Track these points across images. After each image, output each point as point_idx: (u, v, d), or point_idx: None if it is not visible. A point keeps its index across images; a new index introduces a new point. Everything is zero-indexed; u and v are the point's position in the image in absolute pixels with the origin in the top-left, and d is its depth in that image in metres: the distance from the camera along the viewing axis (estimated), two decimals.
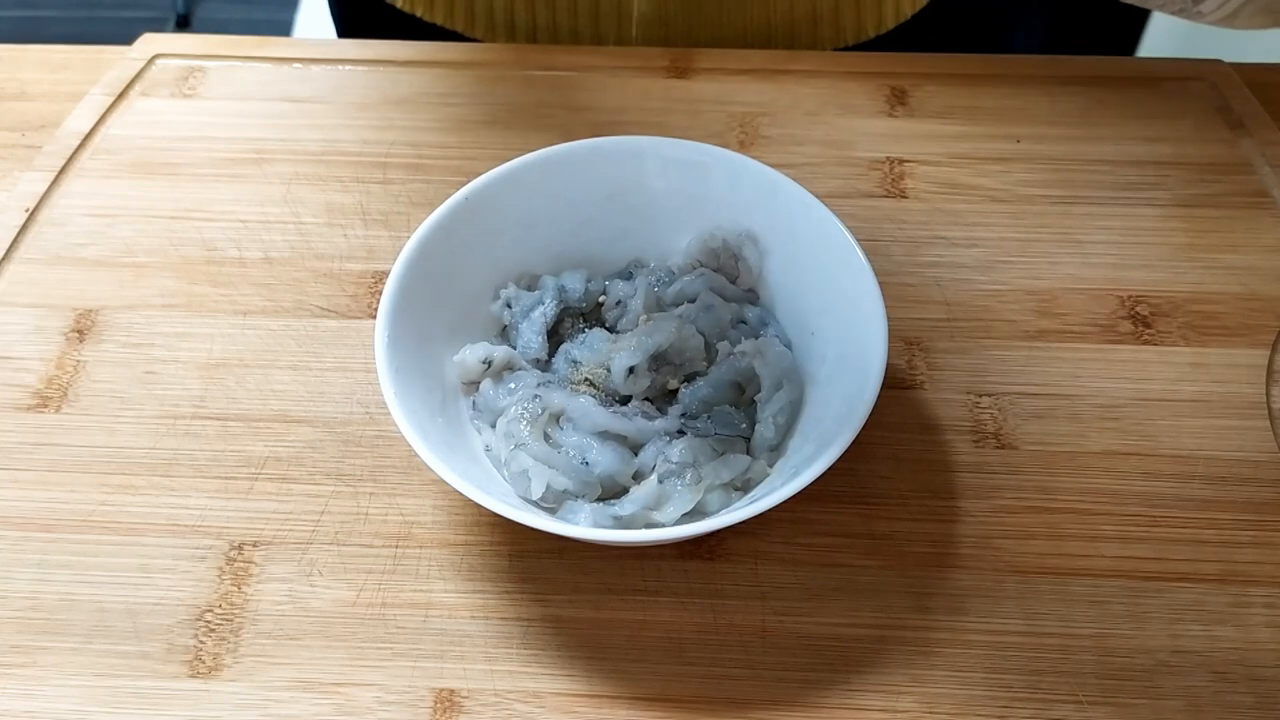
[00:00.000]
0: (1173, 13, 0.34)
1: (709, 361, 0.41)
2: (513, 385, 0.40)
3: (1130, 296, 0.46)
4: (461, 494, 0.34)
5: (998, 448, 0.41)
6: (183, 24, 1.84)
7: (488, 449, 0.39)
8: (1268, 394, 0.43)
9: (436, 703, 0.35)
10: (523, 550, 0.39)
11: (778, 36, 0.60)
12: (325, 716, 0.35)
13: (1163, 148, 0.52)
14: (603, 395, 0.40)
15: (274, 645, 0.37)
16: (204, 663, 0.36)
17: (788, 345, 0.41)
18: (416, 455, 0.34)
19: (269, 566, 0.38)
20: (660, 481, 0.37)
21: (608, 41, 0.59)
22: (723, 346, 0.41)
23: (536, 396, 0.39)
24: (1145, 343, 0.45)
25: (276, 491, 0.40)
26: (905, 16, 0.61)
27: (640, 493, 0.37)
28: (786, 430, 0.39)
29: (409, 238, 0.40)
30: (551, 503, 0.38)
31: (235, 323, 0.45)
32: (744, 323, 0.42)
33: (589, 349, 0.41)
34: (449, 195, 0.41)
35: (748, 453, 0.39)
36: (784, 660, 0.36)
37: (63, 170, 0.51)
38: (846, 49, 0.60)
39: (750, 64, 0.56)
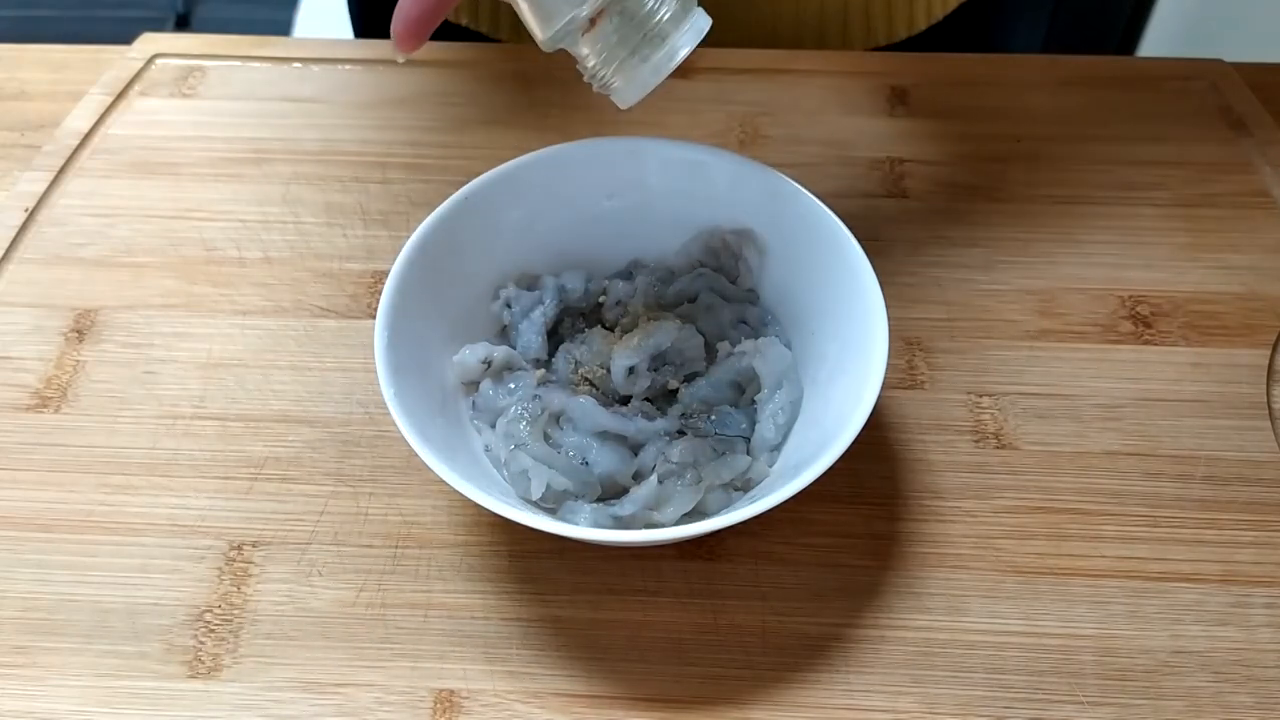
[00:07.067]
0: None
1: (709, 361, 0.41)
2: (513, 385, 0.40)
3: (1131, 296, 0.46)
4: (461, 494, 0.34)
5: (998, 448, 0.41)
6: (182, 23, 1.84)
7: (488, 449, 0.39)
8: (1268, 394, 0.43)
9: (436, 703, 0.35)
10: (523, 550, 0.39)
11: (806, 36, 0.59)
12: (325, 717, 0.35)
13: (1163, 148, 0.52)
14: (603, 395, 0.40)
15: (274, 645, 0.37)
16: (204, 663, 0.36)
17: (788, 345, 0.41)
18: (416, 455, 0.34)
19: (268, 567, 0.38)
20: (660, 481, 0.37)
21: None
22: (723, 346, 0.41)
23: (536, 396, 0.39)
24: (1146, 343, 0.45)
25: (276, 492, 0.40)
26: (936, 18, 0.61)
27: (640, 493, 0.37)
28: (786, 430, 0.39)
29: (409, 238, 0.40)
30: (551, 503, 0.38)
31: (235, 323, 0.45)
32: (744, 323, 0.42)
33: (589, 349, 0.41)
34: (449, 195, 0.41)
35: (748, 453, 0.39)
36: (784, 660, 0.36)
37: (62, 170, 0.51)
38: (875, 50, 0.60)
39: (751, 63, 0.56)
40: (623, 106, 0.35)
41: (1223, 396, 0.43)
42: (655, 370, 0.40)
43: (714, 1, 0.58)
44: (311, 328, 0.45)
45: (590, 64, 0.34)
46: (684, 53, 0.34)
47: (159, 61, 0.57)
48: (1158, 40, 1.24)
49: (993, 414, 0.42)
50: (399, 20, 0.36)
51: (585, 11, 0.33)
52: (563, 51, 0.35)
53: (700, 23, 0.34)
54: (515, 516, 0.34)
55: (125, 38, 0.58)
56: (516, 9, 0.34)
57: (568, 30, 0.33)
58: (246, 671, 0.36)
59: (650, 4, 0.33)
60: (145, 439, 0.42)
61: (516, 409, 0.39)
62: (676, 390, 0.40)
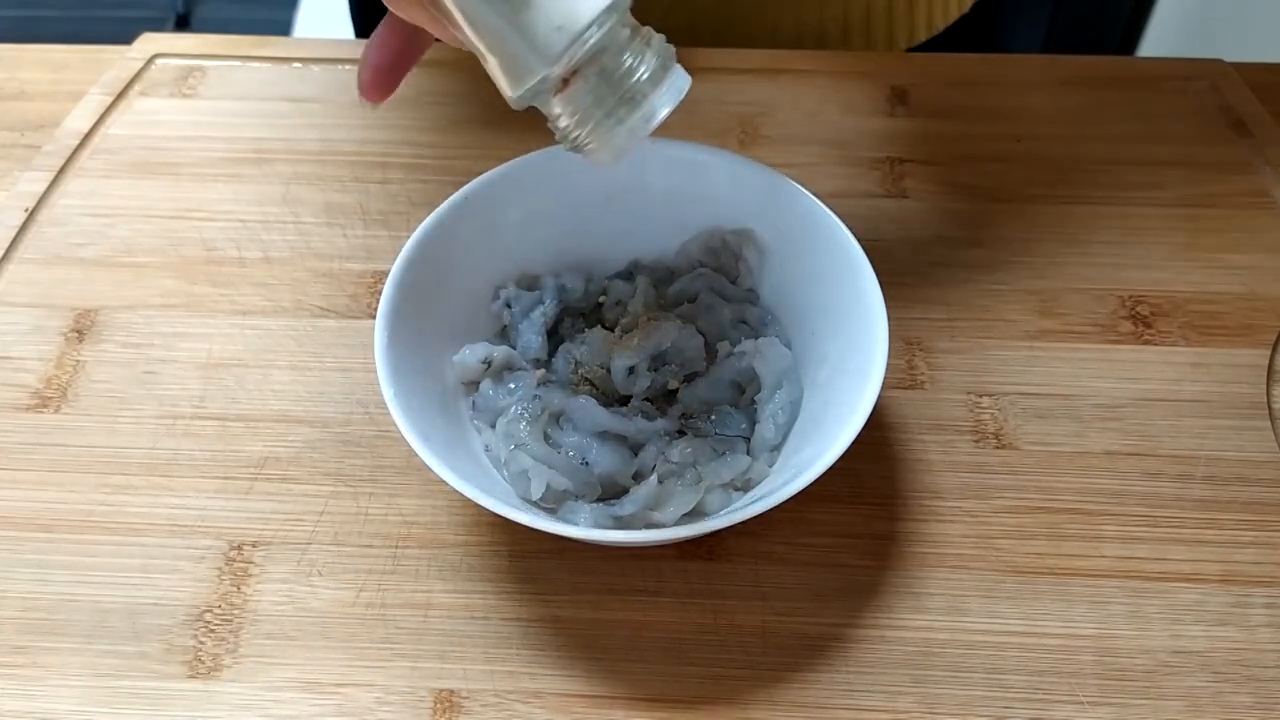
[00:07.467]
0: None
1: (709, 361, 0.41)
2: (513, 385, 0.40)
3: (1131, 296, 0.46)
4: (461, 494, 0.34)
5: (998, 448, 0.41)
6: (182, 23, 1.84)
7: (488, 449, 0.39)
8: (1268, 394, 0.43)
9: (436, 703, 0.35)
10: (523, 550, 0.39)
11: (808, 43, 0.59)
12: (325, 717, 0.35)
13: (1163, 148, 0.52)
14: (603, 395, 0.40)
15: (274, 645, 0.37)
16: (204, 663, 0.36)
17: (788, 345, 0.41)
18: (416, 455, 0.34)
19: (268, 567, 0.38)
20: (660, 481, 0.37)
21: None
22: (723, 346, 0.41)
23: (536, 396, 0.39)
24: (1146, 343, 0.45)
25: (276, 491, 0.40)
26: (938, 29, 0.61)
27: (640, 493, 0.37)
28: (786, 430, 0.39)
29: (409, 238, 0.40)
30: (551, 503, 0.38)
31: (235, 323, 0.45)
32: (744, 323, 0.42)
33: (589, 349, 0.41)
34: (449, 195, 0.41)
35: (748, 453, 0.39)
36: (784, 660, 0.36)
37: (62, 170, 0.51)
38: None
39: (750, 63, 0.56)
40: (598, 167, 0.33)
41: (1223, 396, 0.43)
42: (655, 370, 0.40)
43: (715, 15, 0.58)
44: (311, 328, 0.45)
45: (562, 124, 0.32)
46: (663, 114, 0.31)
47: (159, 61, 0.57)
48: (1158, 40, 1.24)
49: (992, 414, 0.42)
50: (365, 69, 0.34)
51: (558, 71, 0.30)
52: None
53: (680, 82, 0.31)
54: (515, 516, 0.34)
55: (125, 38, 0.58)
56: (483, 63, 0.31)
57: (539, 90, 0.31)
58: (246, 671, 0.36)
59: (628, 62, 0.30)
60: (145, 439, 0.42)
61: (516, 409, 0.39)
62: (676, 390, 0.40)
